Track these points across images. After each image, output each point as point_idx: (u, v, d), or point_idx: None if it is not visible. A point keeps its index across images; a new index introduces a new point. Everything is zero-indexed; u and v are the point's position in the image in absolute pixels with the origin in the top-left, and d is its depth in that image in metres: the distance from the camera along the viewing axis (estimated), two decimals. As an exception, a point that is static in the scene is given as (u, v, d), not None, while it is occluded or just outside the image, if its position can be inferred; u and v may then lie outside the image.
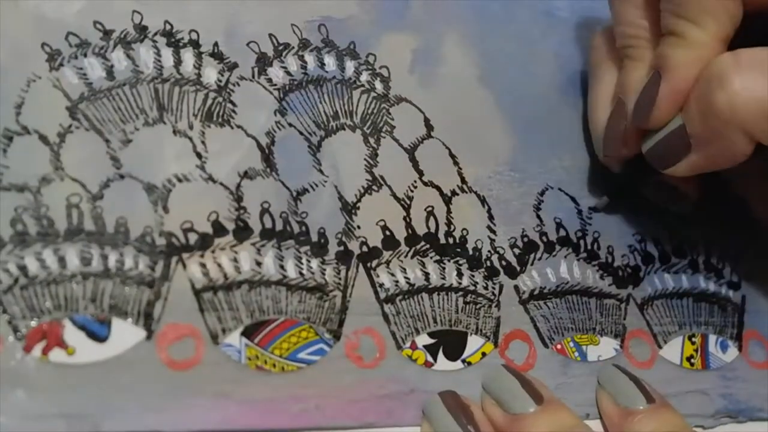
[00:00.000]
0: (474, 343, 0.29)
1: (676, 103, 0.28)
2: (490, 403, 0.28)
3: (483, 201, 0.32)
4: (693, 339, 0.34)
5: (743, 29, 0.28)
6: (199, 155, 0.27)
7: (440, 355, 0.28)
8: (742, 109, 0.26)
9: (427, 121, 0.32)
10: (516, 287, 0.31)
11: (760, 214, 0.36)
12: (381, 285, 0.28)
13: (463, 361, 0.29)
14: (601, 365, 0.31)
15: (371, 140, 0.31)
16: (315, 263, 0.28)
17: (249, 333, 0.26)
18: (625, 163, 0.33)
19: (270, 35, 0.30)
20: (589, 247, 0.33)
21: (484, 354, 0.29)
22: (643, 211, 0.35)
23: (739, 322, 0.36)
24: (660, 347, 0.33)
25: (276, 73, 0.30)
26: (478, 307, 0.30)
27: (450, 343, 0.29)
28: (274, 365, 0.26)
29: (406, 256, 0.29)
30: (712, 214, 0.37)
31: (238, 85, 0.29)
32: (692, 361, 0.33)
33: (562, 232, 0.33)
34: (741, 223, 0.37)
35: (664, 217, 0.35)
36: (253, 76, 0.29)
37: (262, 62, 0.30)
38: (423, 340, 0.28)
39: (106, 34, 0.27)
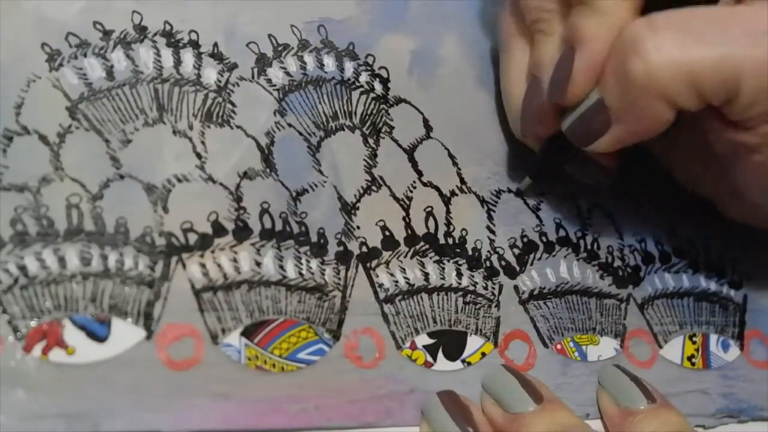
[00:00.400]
0: (474, 343, 0.29)
1: (592, 76, 0.27)
2: (489, 402, 0.27)
3: (482, 201, 0.32)
4: (694, 338, 0.34)
5: None
6: (198, 155, 0.27)
7: (440, 355, 0.28)
8: (659, 74, 0.25)
9: (426, 121, 0.32)
10: (516, 287, 0.31)
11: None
12: (380, 285, 0.28)
13: (463, 361, 0.29)
14: (601, 365, 0.31)
15: (370, 141, 0.31)
16: (314, 263, 0.28)
17: (249, 333, 0.26)
18: (544, 141, 0.31)
19: (269, 36, 0.30)
20: (589, 247, 0.33)
21: (483, 354, 0.29)
22: (642, 210, 0.35)
23: (741, 322, 0.35)
24: (660, 347, 0.33)
25: (275, 73, 0.30)
26: (477, 307, 0.30)
27: (450, 343, 0.29)
28: (274, 365, 0.26)
29: (405, 257, 0.29)
30: (711, 212, 0.37)
31: (238, 85, 0.29)
32: (693, 360, 0.33)
33: (562, 232, 0.33)
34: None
35: (664, 217, 0.35)
36: (253, 77, 0.29)
37: (262, 63, 0.30)
38: (422, 340, 0.28)
39: (106, 34, 0.28)
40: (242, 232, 0.27)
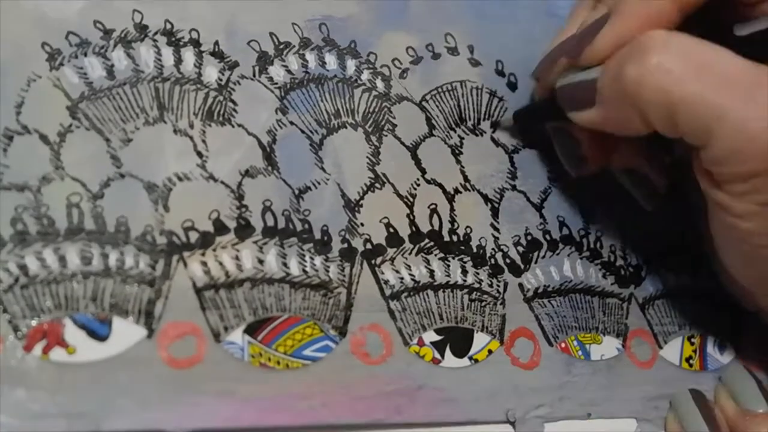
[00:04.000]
0: (480, 340, 0.29)
1: (611, 47, 0.27)
2: (724, 395, 0.30)
3: (486, 199, 0.32)
4: (692, 340, 0.34)
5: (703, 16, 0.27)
6: (199, 154, 0.27)
7: (447, 351, 0.28)
8: (647, 91, 0.25)
9: (428, 119, 0.32)
10: (520, 285, 0.31)
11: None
12: (386, 282, 0.28)
13: (470, 358, 0.28)
14: (603, 364, 0.31)
15: (373, 138, 0.31)
16: (318, 261, 0.27)
17: (252, 330, 0.25)
18: (550, 95, 0.31)
19: (271, 34, 0.30)
20: (591, 245, 0.33)
21: (490, 351, 0.29)
22: (643, 211, 0.35)
23: (737, 325, 0.35)
24: (660, 347, 0.33)
25: (277, 71, 0.30)
26: (483, 304, 0.30)
27: (457, 340, 0.28)
28: (278, 362, 0.25)
29: (410, 254, 0.29)
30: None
31: (239, 83, 0.29)
32: (691, 362, 0.33)
33: (565, 231, 0.33)
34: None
35: (664, 218, 0.35)
36: (254, 75, 0.29)
37: (263, 61, 0.30)
38: (430, 336, 0.28)
39: (107, 33, 0.27)
40: (244, 230, 0.27)
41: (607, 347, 0.31)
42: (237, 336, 0.25)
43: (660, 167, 0.32)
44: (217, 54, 0.29)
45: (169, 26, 0.28)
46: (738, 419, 0.29)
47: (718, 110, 0.24)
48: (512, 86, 0.35)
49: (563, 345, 0.30)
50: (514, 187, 0.33)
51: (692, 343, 0.34)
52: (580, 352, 0.31)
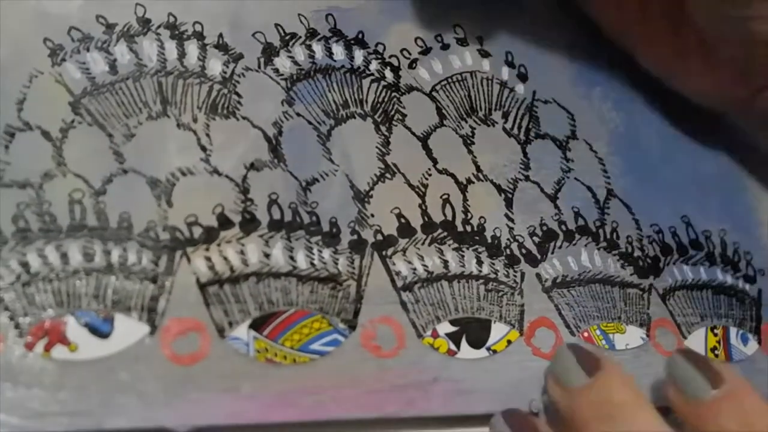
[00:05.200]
0: (498, 330, 0.28)
1: None
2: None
3: (499, 189, 0.31)
4: (715, 331, 0.33)
5: None
6: (203, 148, 0.27)
7: (463, 342, 0.27)
8: None
9: (439, 109, 0.31)
10: (538, 275, 0.30)
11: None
12: (398, 273, 0.27)
13: (488, 348, 0.28)
14: (630, 354, 0.30)
15: (383, 128, 0.30)
16: (327, 253, 0.27)
17: (257, 325, 0.25)
18: None
19: (276, 25, 0.30)
20: (608, 236, 0.33)
21: (509, 342, 0.28)
22: (658, 201, 0.34)
23: (757, 316, 0.35)
24: (684, 337, 0.32)
25: (283, 63, 0.29)
26: (500, 294, 0.29)
27: (473, 331, 0.28)
28: (285, 357, 0.25)
29: (423, 244, 0.28)
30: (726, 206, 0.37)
31: (244, 76, 0.28)
32: (716, 352, 0.33)
33: (581, 221, 0.32)
34: (753, 216, 0.37)
35: (680, 208, 0.35)
36: (260, 67, 0.29)
37: (269, 52, 0.29)
38: (445, 327, 0.27)
39: (109, 27, 0.27)
40: (249, 224, 0.26)
41: (631, 337, 0.31)
42: (242, 331, 0.24)
43: None
44: (221, 46, 0.28)
45: (172, 19, 0.28)
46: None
47: None
48: (522, 77, 0.34)
49: (586, 334, 0.30)
50: (527, 178, 0.32)
51: (715, 334, 0.33)
52: (603, 342, 0.30)
